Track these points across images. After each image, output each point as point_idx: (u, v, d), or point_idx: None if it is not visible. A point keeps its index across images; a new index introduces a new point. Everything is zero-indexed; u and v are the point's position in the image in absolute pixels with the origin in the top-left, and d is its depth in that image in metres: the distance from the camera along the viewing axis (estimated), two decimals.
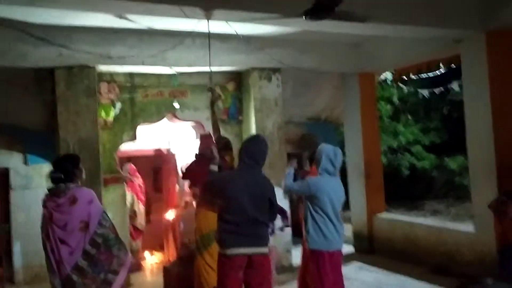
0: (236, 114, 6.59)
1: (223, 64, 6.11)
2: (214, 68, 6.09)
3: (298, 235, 5.65)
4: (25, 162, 6.35)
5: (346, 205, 7.96)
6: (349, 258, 6.95)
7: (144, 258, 7.31)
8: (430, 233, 6.12)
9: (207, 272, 4.16)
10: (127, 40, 5.55)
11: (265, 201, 3.42)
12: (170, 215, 6.88)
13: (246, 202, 3.33)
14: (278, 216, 3.93)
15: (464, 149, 5.70)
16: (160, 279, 5.52)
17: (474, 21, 5.01)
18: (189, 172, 4.37)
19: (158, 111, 6.21)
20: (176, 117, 6.34)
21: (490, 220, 4.77)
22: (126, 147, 6.68)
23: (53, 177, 3.39)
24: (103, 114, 5.77)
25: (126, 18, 4.98)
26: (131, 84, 6.05)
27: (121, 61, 5.54)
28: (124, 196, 5.99)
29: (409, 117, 12.63)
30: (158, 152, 7.58)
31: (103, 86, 5.78)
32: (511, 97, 5.01)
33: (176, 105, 6.15)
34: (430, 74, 7.55)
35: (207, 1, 3.77)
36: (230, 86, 6.55)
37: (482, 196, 5.02)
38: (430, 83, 8.76)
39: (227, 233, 3.34)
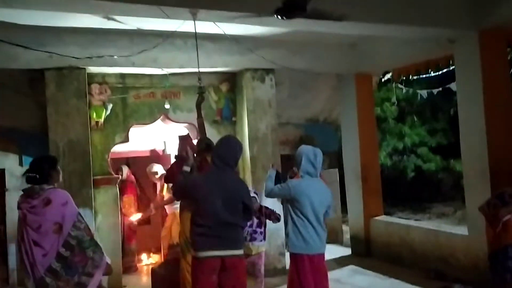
0: (230, 115, 6.55)
1: (215, 65, 6.08)
2: (207, 69, 6.10)
3: None
4: (20, 164, 6.37)
5: (344, 208, 7.93)
6: (345, 261, 6.88)
7: (140, 260, 7.31)
8: (426, 237, 5.99)
9: (190, 275, 4.12)
10: (118, 41, 5.55)
11: (237, 203, 3.37)
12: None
13: (218, 204, 3.28)
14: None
15: None
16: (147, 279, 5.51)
17: (466, 20, 4.90)
18: (169, 175, 4.34)
19: (150, 112, 6.20)
20: (169, 118, 6.32)
21: (483, 223, 4.65)
22: (122, 149, 6.70)
23: (28, 177, 3.38)
24: (94, 115, 5.78)
25: (113, 19, 4.98)
26: (123, 85, 6.05)
27: (112, 62, 5.54)
28: (116, 198, 5.98)
29: (415, 118, 12.47)
30: (154, 153, 7.57)
31: (95, 88, 5.78)
32: (504, 98, 4.88)
33: (167, 106, 6.12)
34: (432, 74, 7.42)
35: (180, 1, 3.73)
36: (224, 87, 6.51)
37: (475, 198, 4.89)
38: (431, 83, 8.60)
39: (199, 236, 3.30)
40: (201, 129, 4.64)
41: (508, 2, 4.59)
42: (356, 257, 7.07)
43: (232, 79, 6.54)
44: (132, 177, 7.25)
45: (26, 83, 6.01)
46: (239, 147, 3.51)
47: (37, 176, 3.37)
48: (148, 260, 7.42)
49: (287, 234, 3.89)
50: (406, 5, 4.53)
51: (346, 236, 7.99)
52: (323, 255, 3.98)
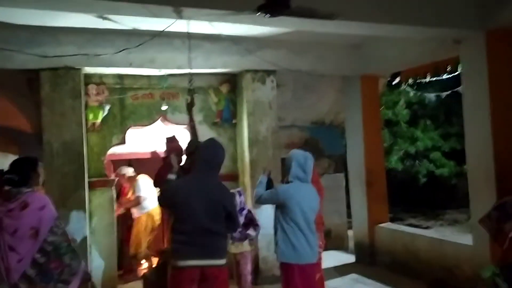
0: (230, 117, 6.42)
1: (214, 66, 5.96)
2: (206, 70, 5.98)
3: None
4: None
5: (350, 213, 7.72)
6: (348, 269, 6.68)
7: (140, 264, 7.20)
8: (431, 246, 5.75)
9: None
10: (115, 41, 5.45)
11: (219, 210, 3.23)
12: None
13: (198, 210, 3.14)
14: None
15: None
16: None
17: (472, 20, 4.66)
18: (157, 179, 4.20)
19: (149, 113, 6.11)
20: (167, 119, 6.22)
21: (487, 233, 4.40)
22: (125, 150, 6.62)
23: (6, 179, 3.29)
24: (91, 116, 5.71)
25: (108, 19, 4.89)
26: (121, 86, 5.97)
27: (108, 62, 5.46)
28: (111, 200, 5.90)
29: (428, 122, 12.16)
30: (155, 154, 7.47)
31: (92, 88, 5.72)
32: (511, 100, 4.63)
33: (164, 107, 6.02)
34: (444, 77, 7.17)
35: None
36: (224, 88, 6.38)
37: (481, 206, 4.64)
38: (444, 86, 8.33)
39: (179, 244, 3.17)
40: (192, 132, 4.50)
41: None
42: (360, 265, 6.85)
43: (232, 80, 6.41)
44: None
45: (24, 83, 5.97)
46: (222, 151, 3.37)
47: (16, 178, 3.28)
48: (149, 262, 7.32)
49: (276, 242, 3.73)
50: (406, 4, 4.33)
51: (352, 242, 7.77)
52: (315, 264, 3.81)
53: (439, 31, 4.79)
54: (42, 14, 4.73)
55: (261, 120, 6.16)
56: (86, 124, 5.66)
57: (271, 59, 6.00)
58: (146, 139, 7.05)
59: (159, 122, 6.33)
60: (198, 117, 6.19)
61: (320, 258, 4.60)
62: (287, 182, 4.50)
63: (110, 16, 4.83)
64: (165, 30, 5.19)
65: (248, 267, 4.57)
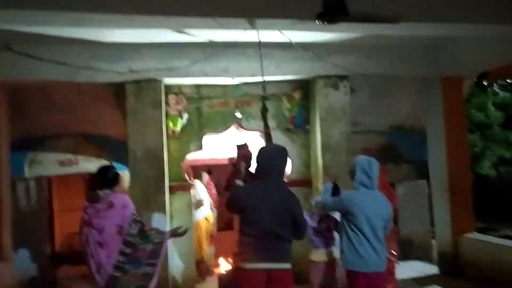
0: (303, 123, 6.43)
1: (286, 73, 6.04)
2: (278, 77, 6.08)
3: None
4: None
5: (432, 222, 7.32)
6: (429, 281, 6.35)
7: (218, 265, 7.47)
8: None
9: None
10: (191, 53, 5.77)
11: (286, 215, 3.27)
12: None
13: (265, 215, 3.22)
14: None
15: None
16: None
17: None
18: (227, 185, 4.34)
19: (223, 121, 6.33)
20: (241, 127, 6.40)
21: None
22: (204, 156, 6.93)
23: (99, 183, 3.62)
24: (171, 124, 6.06)
25: (184, 32, 5.19)
26: (198, 95, 6.27)
27: (186, 73, 5.78)
28: (190, 203, 6.20)
29: None
30: (232, 161, 7.70)
31: (171, 98, 6.08)
32: None
33: (238, 114, 6.21)
34: None
35: (236, 11, 3.76)
36: (297, 95, 6.42)
37: None
38: None
39: (246, 247, 3.26)
40: (267, 138, 4.60)
41: None
42: (443, 277, 6.48)
43: (305, 87, 6.43)
44: (212, 184, 7.46)
45: (113, 95, 6.53)
46: (282, 156, 3.41)
47: (102, 182, 3.62)
48: (226, 266, 7.56)
49: (341, 250, 3.68)
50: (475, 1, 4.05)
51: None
52: (383, 273, 3.70)
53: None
54: (126, 32, 5.15)
55: (334, 125, 6.10)
56: (167, 131, 6.02)
57: (343, 64, 5.94)
58: (223, 146, 7.33)
59: (233, 129, 6.53)
60: (271, 124, 6.23)
61: (392, 268, 4.45)
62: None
63: (187, 30, 5.12)
64: (238, 40, 5.42)
65: (317, 277, 4.54)
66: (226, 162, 7.76)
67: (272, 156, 3.40)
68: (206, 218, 6.93)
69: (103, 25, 4.35)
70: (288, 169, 5.94)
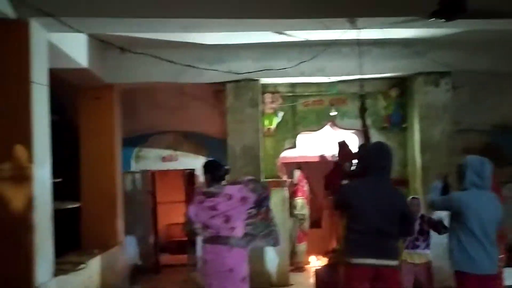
0: (399, 122, 6.30)
1: (383, 71, 5.97)
2: (374, 75, 6.01)
3: None
4: None
5: None
6: None
7: (308, 262, 7.56)
8: None
9: None
10: (288, 53, 5.90)
11: (393, 213, 3.26)
12: None
13: (372, 212, 3.23)
14: None
15: None
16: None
17: None
18: (327, 181, 4.41)
19: (318, 119, 6.40)
20: (336, 125, 6.42)
21: None
22: (295, 154, 7.05)
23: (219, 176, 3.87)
24: (266, 122, 6.25)
25: (283, 33, 5.32)
26: (293, 94, 6.39)
27: (283, 73, 5.91)
28: (284, 200, 6.35)
29: None
30: (323, 159, 7.73)
31: (267, 97, 6.27)
32: None
33: (334, 113, 6.23)
34: None
35: (340, 11, 3.80)
36: (393, 93, 6.31)
37: None
38: None
39: (352, 242, 3.30)
40: (365, 137, 4.61)
41: None
42: None
43: (402, 84, 6.29)
44: (304, 180, 7.54)
45: (211, 95, 6.88)
46: (390, 154, 3.40)
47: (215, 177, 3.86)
48: (316, 262, 7.63)
49: (450, 250, 3.58)
50: None
51: None
52: (495, 277, 3.54)
53: None
54: (226, 35, 5.40)
55: (434, 124, 5.92)
56: (262, 129, 6.21)
57: (445, 60, 5.72)
58: (314, 144, 7.38)
59: (327, 127, 6.56)
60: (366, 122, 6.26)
61: (500, 273, 4.24)
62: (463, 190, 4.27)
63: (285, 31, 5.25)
64: (335, 39, 5.45)
65: (410, 279, 4.48)
66: (316, 159, 7.88)
67: (379, 154, 3.40)
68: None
69: (209, 29, 4.59)
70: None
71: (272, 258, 6.17)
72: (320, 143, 7.50)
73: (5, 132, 3.64)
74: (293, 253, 6.74)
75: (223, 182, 3.87)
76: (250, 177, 4.02)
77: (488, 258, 3.42)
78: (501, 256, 4.36)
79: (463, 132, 6.88)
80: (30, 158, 3.65)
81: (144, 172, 7.44)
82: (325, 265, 5.61)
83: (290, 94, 6.40)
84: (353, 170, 4.01)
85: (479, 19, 3.41)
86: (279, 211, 6.25)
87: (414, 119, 6.05)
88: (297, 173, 7.86)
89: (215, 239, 3.68)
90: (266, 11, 3.91)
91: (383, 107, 6.37)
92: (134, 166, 7.24)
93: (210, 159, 4.41)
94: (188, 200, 7.69)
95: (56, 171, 4.25)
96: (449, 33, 5.39)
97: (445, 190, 3.90)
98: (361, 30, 4.69)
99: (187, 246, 7.99)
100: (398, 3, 3.60)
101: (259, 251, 5.69)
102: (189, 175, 7.62)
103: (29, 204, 3.64)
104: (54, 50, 4.23)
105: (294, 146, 6.43)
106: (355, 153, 4.27)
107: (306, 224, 7.52)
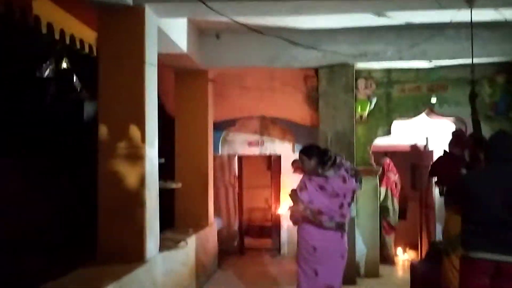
0: (506, 110, 5.85)
1: (491, 55, 5.55)
2: (482, 60, 5.60)
3: None
4: (293, 150, 7.29)
5: None
6: None
7: (396, 254, 7.33)
8: None
9: (454, 276, 3.94)
10: (385, 36, 5.67)
11: None
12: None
13: (495, 202, 3.01)
14: None
15: None
16: (408, 275, 5.49)
17: None
18: (436, 169, 4.19)
19: (414, 106, 6.10)
20: (434, 112, 6.09)
21: None
22: (382, 142, 6.81)
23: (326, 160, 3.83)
24: (359, 109, 6.06)
25: (384, 15, 5.10)
26: (388, 80, 6.14)
27: (379, 57, 5.71)
28: (375, 189, 6.17)
29: None
30: (415, 148, 7.41)
31: (361, 82, 6.06)
32: None
33: (434, 99, 5.91)
34: None
35: None
36: (500, 79, 5.85)
37: None
38: None
39: (471, 235, 3.11)
40: (475, 126, 4.31)
41: None
42: None
43: (509, 70, 5.81)
44: (392, 170, 7.29)
45: (301, 81, 6.80)
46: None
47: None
48: (403, 255, 7.38)
49: None
50: None
51: None
52: None
53: None
54: (321, 18, 5.27)
55: None
56: (354, 116, 6.04)
57: None
58: (404, 132, 7.07)
59: (420, 115, 6.25)
60: (467, 110, 5.84)
61: None
62: None
63: (387, 13, 5.02)
64: (438, 21, 5.15)
65: None
66: (406, 148, 7.56)
67: (503, 142, 3.16)
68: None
69: (322, 11, 4.49)
70: None
71: (361, 249, 6.04)
72: (411, 131, 7.19)
73: (122, 112, 3.82)
74: (381, 245, 6.54)
75: (329, 167, 3.80)
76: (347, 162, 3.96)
77: None
78: None
79: None
80: (143, 138, 3.82)
81: (231, 156, 7.56)
82: (422, 258, 5.38)
83: (385, 80, 6.15)
84: (469, 159, 3.77)
85: None
86: (370, 201, 6.11)
87: None
88: (384, 162, 7.61)
89: (329, 225, 3.64)
90: None
91: (488, 94, 5.93)
92: (221, 150, 7.39)
93: (311, 143, 4.35)
94: (273, 185, 7.76)
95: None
96: None
97: None
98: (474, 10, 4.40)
99: (269, 230, 8.08)
100: None
101: (349, 241, 5.57)
102: (275, 160, 7.65)
103: (142, 182, 3.81)
104: (159, 35, 4.36)
105: (388, 134, 6.19)
106: (470, 142, 4.02)
107: (392, 216, 7.24)
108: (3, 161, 4.30)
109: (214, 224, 6.45)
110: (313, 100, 6.45)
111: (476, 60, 5.54)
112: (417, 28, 5.50)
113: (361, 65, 5.96)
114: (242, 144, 7.50)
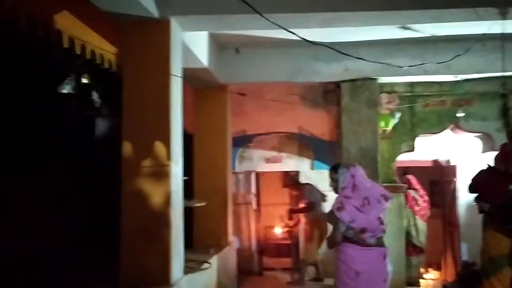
0: None
1: None
2: (510, 73, 5.47)
3: None
4: (312, 167, 7.13)
5: None
6: None
7: (421, 276, 7.06)
8: None
9: None
10: (409, 50, 5.56)
11: None
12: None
13: None
14: None
15: None
16: None
17: None
18: (478, 185, 3.98)
19: (439, 121, 5.97)
20: (460, 127, 5.93)
21: None
22: (404, 157, 6.65)
23: None
24: (382, 124, 5.92)
25: (409, 28, 4.99)
26: (411, 94, 6.02)
27: (403, 71, 5.55)
28: (400, 207, 5.97)
29: None
30: (436, 163, 7.22)
31: (384, 97, 5.94)
32: None
33: (460, 114, 5.76)
34: None
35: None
36: None
37: None
38: None
39: None
40: (510, 138, 4.14)
41: None
42: None
43: None
44: (416, 186, 7.06)
45: (320, 95, 6.68)
46: None
47: None
48: (426, 275, 7.13)
49: None
50: None
51: None
52: None
53: None
54: (344, 31, 5.15)
55: None
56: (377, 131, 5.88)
57: None
58: (426, 147, 6.89)
59: (447, 130, 6.10)
60: (495, 125, 5.74)
61: None
62: None
63: (411, 25, 4.91)
64: (464, 34, 5.04)
65: None
66: (428, 164, 7.37)
67: None
68: None
69: (350, 23, 4.38)
70: None
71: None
72: (432, 146, 7.01)
73: (146, 128, 3.69)
74: (407, 266, 6.29)
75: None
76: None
77: None
78: None
79: None
80: (168, 155, 3.67)
81: (248, 173, 7.40)
82: (456, 279, 5.16)
83: (408, 94, 6.02)
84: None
85: None
86: (395, 219, 5.90)
87: None
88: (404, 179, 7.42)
89: (372, 244, 3.45)
90: (413, 2, 3.64)
91: None
92: (238, 167, 7.23)
93: (339, 162, 4.20)
94: (292, 202, 7.56)
95: None
96: None
97: None
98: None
99: (289, 249, 7.85)
100: None
101: None
102: (293, 177, 7.47)
103: (167, 201, 3.65)
104: (182, 49, 4.25)
105: (412, 150, 6.03)
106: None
107: (415, 235, 6.95)
108: (19, 177, 4.17)
109: (233, 244, 6.26)
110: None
111: (506, 74, 5.45)
112: (443, 41, 5.38)
113: (384, 79, 5.84)
114: (259, 160, 7.35)
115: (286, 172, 7.71)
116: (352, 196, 3.50)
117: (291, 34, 5.23)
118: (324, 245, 6.54)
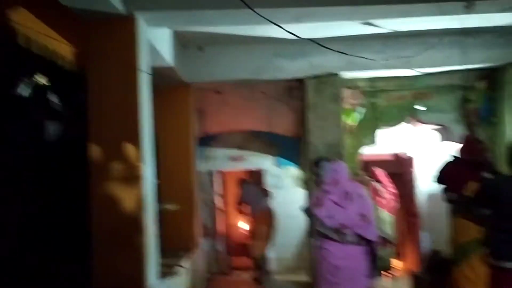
0: (488, 116, 5.95)
1: (474, 62, 5.63)
2: (462, 67, 5.71)
3: None
4: (276, 165, 7.15)
5: None
6: None
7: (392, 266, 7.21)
8: None
9: (466, 284, 3.86)
10: (372, 45, 5.64)
11: None
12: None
13: None
14: None
15: None
16: (402, 285, 5.40)
17: None
18: (446, 176, 4.09)
19: (399, 114, 6.12)
20: (418, 120, 6.12)
21: None
22: (367, 151, 6.77)
23: None
24: (346, 119, 6.00)
25: (371, 24, 5.07)
26: (373, 89, 6.13)
27: (365, 66, 5.66)
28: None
29: None
30: (395, 157, 7.41)
31: (347, 92, 6.01)
32: None
33: (420, 107, 5.95)
34: None
35: None
36: (481, 85, 5.96)
37: None
38: None
39: (503, 243, 3.01)
40: (471, 130, 4.32)
41: None
42: None
43: (491, 76, 5.93)
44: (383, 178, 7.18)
45: (283, 92, 6.69)
46: None
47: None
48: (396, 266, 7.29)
49: None
50: None
51: None
52: None
53: None
54: (309, 27, 5.17)
55: None
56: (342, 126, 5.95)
57: None
58: (388, 141, 7.06)
59: (403, 123, 6.28)
60: (451, 117, 5.97)
61: None
62: None
63: (373, 21, 5.00)
64: (423, 29, 5.18)
65: None
66: (388, 157, 7.55)
67: None
68: None
69: (322, 19, 4.39)
70: None
71: None
72: (394, 140, 7.19)
73: (115, 128, 3.54)
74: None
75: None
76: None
77: None
78: None
79: None
80: (139, 156, 3.53)
81: (211, 173, 7.30)
82: (424, 268, 5.30)
83: (370, 89, 6.13)
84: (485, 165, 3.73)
85: None
86: None
87: (506, 113, 5.69)
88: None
89: (351, 240, 3.46)
90: None
91: (470, 100, 6.02)
92: (202, 166, 7.11)
93: (321, 157, 4.21)
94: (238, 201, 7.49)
95: None
96: None
97: None
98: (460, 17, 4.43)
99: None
100: None
101: None
102: (257, 174, 7.45)
103: (139, 205, 3.51)
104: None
105: (373, 143, 6.15)
106: (483, 147, 3.99)
107: (385, 228, 7.06)
108: None
109: (201, 245, 6.15)
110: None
111: (458, 67, 5.69)
112: (403, 36, 5.52)
113: (346, 74, 5.91)
114: (223, 159, 7.27)
115: (252, 171, 7.69)
116: (332, 191, 3.51)
117: (254, 31, 5.27)
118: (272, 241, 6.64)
